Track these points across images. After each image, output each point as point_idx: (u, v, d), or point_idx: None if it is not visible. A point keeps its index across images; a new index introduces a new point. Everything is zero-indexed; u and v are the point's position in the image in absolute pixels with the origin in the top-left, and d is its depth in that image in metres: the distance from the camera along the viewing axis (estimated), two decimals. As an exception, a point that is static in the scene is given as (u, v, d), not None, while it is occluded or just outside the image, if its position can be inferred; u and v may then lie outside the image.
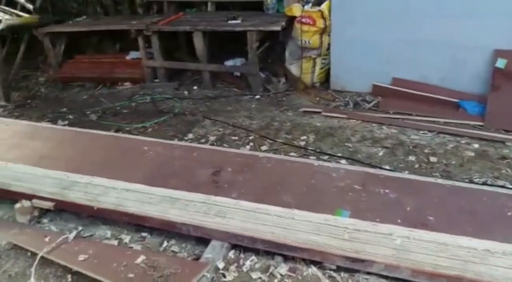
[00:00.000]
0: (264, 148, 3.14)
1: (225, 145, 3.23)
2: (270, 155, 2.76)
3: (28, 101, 4.47)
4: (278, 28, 3.87)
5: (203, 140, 3.34)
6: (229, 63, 4.43)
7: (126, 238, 2.26)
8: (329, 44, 3.98)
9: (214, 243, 2.05)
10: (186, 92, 4.38)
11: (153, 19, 4.51)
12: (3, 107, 4.34)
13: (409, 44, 3.64)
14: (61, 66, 4.72)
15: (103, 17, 5.05)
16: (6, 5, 5.28)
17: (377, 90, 3.83)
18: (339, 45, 3.90)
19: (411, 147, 3.06)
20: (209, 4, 4.89)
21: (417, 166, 2.84)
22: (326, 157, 2.95)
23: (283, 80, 4.28)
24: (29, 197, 2.42)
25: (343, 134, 3.27)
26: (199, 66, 4.36)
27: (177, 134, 3.46)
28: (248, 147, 3.18)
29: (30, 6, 4.71)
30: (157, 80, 4.55)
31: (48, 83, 4.89)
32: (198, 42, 4.17)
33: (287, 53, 4.22)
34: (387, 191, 2.28)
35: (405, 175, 2.58)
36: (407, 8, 3.56)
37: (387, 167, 2.79)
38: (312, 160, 2.75)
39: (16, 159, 2.73)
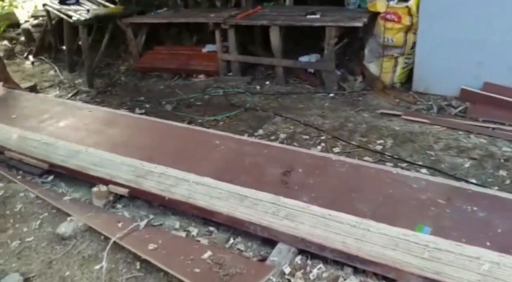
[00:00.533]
0: (336, 149, 3.01)
1: (295, 143, 3.14)
2: (344, 158, 2.62)
3: (109, 88, 4.70)
4: (359, 24, 3.68)
5: (273, 137, 3.27)
6: (303, 59, 4.31)
7: (194, 231, 2.27)
8: (414, 43, 3.72)
9: (281, 246, 1.98)
10: (258, 87, 4.34)
11: (231, 13, 4.52)
12: (86, 92, 4.61)
13: (505, 45, 3.28)
14: (141, 56, 4.90)
15: (182, 10, 5.16)
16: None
17: (465, 94, 3.50)
18: (425, 44, 3.62)
19: (502, 160, 2.75)
20: (287, -3, 4.81)
21: (508, 181, 2.54)
22: (404, 165, 2.74)
23: (360, 79, 4.08)
24: (106, 182, 2.52)
25: (424, 141, 3.02)
26: (273, 61, 4.30)
27: (248, 129, 3.43)
28: (319, 147, 3.06)
29: (117, -3, 4.96)
30: (230, 74, 4.56)
31: (128, 72, 5.11)
32: (274, 37, 4.10)
33: (366, 51, 4.01)
34: (475, 208, 2.05)
35: (497, 191, 2.32)
36: (504, 6, 3.20)
37: (474, 181, 2.53)
38: (389, 167, 2.57)
39: (95, 144, 2.85)
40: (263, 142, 2.87)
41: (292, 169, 2.44)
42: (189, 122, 3.64)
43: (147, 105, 4.12)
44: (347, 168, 2.43)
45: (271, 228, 2.01)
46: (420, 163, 2.75)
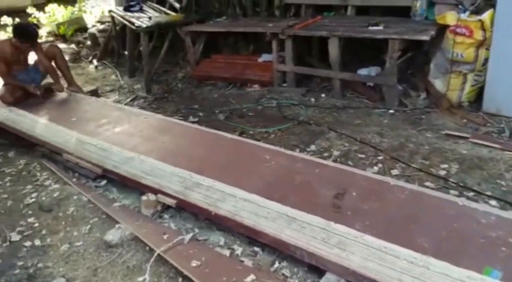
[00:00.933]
0: (394, 172, 2.81)
1: (349, 162, 2.98)
2: (403, 183, 2.42)
3: (166, 95, 4.78)
4: (426, 37, 3.45)
5: (326, 154, 3.13)
6: (363, 72, 4.12)
7: (238, 250, 2.19)
8: (485, 59, 3.42)
9: (329, 276, 1.85)
10: (313, 100, 4.21)
11: (289, 22, 4.43)
12: (144, 98, 4.72)
13: None
14: (198, 64, 4.95)
15: (241, 19, 5.15)
16: (157, 3, 5.77)
17: (544, 118, 3.16)
18: (499, 60, 3.32)
19: None
20: (349, 8, 4.63)
21: None
22: (471, 194, 2.49)
23: (423, 95, 3.82)
24: (155, 191, 2.52)
25: (494, 168, 2.75)
26: (330, 73, 4.15)
27: (300, 144, 3.31)
28: (375, 168, 2.88)
29: (177, 5, 5.04)
30: (285, 85, 4.47)
31: (185, 79, 5.18)
32: (333, 49, 3.96)
33: (432, 66, 3.76)
34: (555, 252, 1.80)
35: None
36: None
37: (554, 218, 2.24)
38: (454, 197, 2.34)
39: (148, 151, 2.87)
40: (315, 159, 2.74)
41: (345, 191, 2.30)
42: (241, 133, 3.59)
43: (201, 114, 4.13)
44: (406, 194, 2.24)
45: (320, 256, 1.88)
46: (489, 193, 2.49)
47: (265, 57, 4.71)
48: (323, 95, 4.28)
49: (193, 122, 3.94)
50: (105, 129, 3.26)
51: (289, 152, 2.83)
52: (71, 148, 3.09)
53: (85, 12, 9.00)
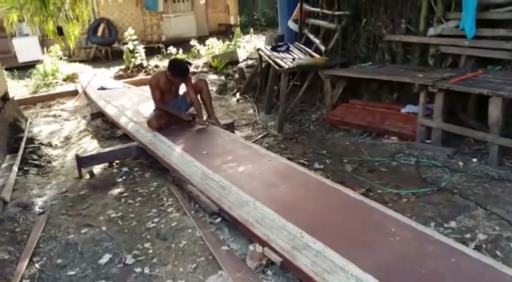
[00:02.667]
0: None
1: (498, 253, 2.40)
2: None
3: (296, 135, 4.70)
4: None
5: (468, 235, 2.59)
6: (531, 139, 3.40)
7: None
8: None
9: None
10: (461, 164, 3.62)
11: (443, 74, 3.95)
12: (274, 137, 4.72)
13: None
14: (334, 108, 4.77)
15: (388, 65, 4.82)
16: (305, 44, 5.82)
17: None
18: None
19: None
20: (520, 62, 3.94)
21: None
22: None
23: None
24: (263, 243, 2.37)
25: None
26: (488, 136, 3.53)
27: (436, 217, 2.82)
28: (536, 268, 2.24)
29: (322, 48, 4.98)
30: (428, 142, 3.97)
31: (318, 121, 5.04)
32: (494, 109, 3.36)
33: None
34: None
35: None
36: None
37: None
38: None
39: (263, 198, 2.76)
40: (453, 243, 2.25)
41: (489, 297, 1.80)
42: (367, 190, 3.26)
43: (327, 161, 3.91)
44: None
45: None
46: None
47: (409, 108, 4.29)
48: (474, 160, 3.66)
49: (318, 169, 3.75)
50: (229, 167, 3.28)
51: (421, 227, 2.39)
52: (196, 180, 3.17)
53: (239, 47, 9.74)
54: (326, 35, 5.49)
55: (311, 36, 5.55)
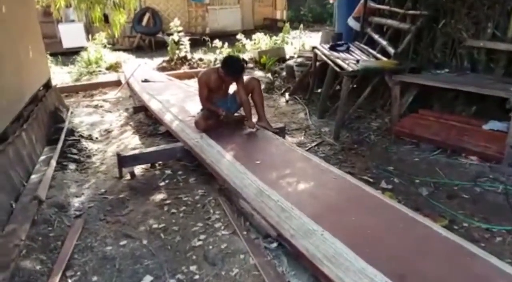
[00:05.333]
0: None
1: None
2: None
3: (355, 146, 4.21)
4: None
5: None
6: None
7: None
8: None
9: None
10: (561, 196, 3.05)
11: (540, 88, 3.37)
12: (330, 146, 4.25)
13: None
14: (401, 117, 4.24)
15: (469, 73, 4.22)
16: (367, 44, 5.29)
17: None
18: None
19: None
20: None
21: None
22: None
23: None
24: (334, 287, 1.94)
25: None
26: None
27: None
28: None
29: (391, 50, 4.44)
30: (517, 166, 3.40)
31: (379, 131, 4.53)
32: None
33: None
34: None
35: None
36: None
37: None
38: None
39: (333, 227, 2.31)
40: None
41: None
42: (450, 222, 2.76)
43: (396, 180, 3.42)
44: None
45: None
46: None
47: (493, 125, 3.71)
48: None
49: (386, 189, 3.27)
50: (287, 183, 2.86)
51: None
52: (250, 195, 2.77)
53: (287, 43, 9.26)
54: (393, 35, 4.92)
55: (375, 36, 5.00)
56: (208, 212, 3.06)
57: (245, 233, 2.69)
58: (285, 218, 2.46)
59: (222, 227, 2.82)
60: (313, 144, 4.29)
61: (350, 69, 4.20)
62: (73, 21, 10.50)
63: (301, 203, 2.58)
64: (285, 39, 9.34)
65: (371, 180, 3.42)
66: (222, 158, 3.32)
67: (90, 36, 8.87)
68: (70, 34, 10.02)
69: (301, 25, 9.73)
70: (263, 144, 3.66)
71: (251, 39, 9.07)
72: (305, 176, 2.96)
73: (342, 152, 4.08)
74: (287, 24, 9.88)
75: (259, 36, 9.06)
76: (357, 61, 4.38)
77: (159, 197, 3.35)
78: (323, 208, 2.54)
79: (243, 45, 9.06)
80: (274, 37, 9.45)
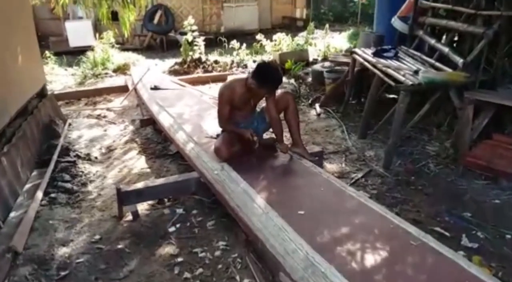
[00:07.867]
0: None
1: None
2: None
3: (412, 178, 3.38)
4: None
5: None
6: None
7: None
8: None
9: None
10: None
11: None
12: (381, 177, 3.41)
13: None
14: (472, 145, 3.39)
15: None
16: (416, 49, 4.44)
17: None
18: None
19: None
20: None
21: None
22: None
23: None
24: None
25: None
26: None
27: None
28: None
29: (457, 59, 3.57)
30: None
31: (439, 157, 3.68)
32: None
33: None
34: None
35: None
36: None
37: None
38: None
39: None
40: None
41: None
42: None
43: (480, 234, 2.59)
44: None
45: None
46: None
47: None
48: None
49: (470, 249, 2.45)
50: (347, 250, 2.04)
51: None
52: (294, 266, 1.96)
53: (310, 45, 8.40)
54: (458, 41, 4.01)
55: (431, 41, 4.12)
56: (233, 278, 2.28)
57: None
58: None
59: (254, 306, 2.04)
60: (359, 175, 3.46)
61: (410, 82, 3.35)
62: (81, 18, 9.79)
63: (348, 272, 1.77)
64: (308, 40, 8.48)
65: (446, 234, 2.61)
66: (251, 201, 2.51)
67: (97, 35, 8.15)
68: (77, 32, 9.32)
69: (327, 25, 8.81)
70: (302, 180, 2.83)
71: (270, 40, 8.22)
72: (371, 237, 2.13)
73: (398, 187, 3.26)
74: (312, 24, 9.00)
75: (280, 36, 8.20)
76: (415, 72, 3.52)
77: (168, 250, 2.59)
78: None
79: (262, 46, 8.22)
80: (295, 38, 8.61)
